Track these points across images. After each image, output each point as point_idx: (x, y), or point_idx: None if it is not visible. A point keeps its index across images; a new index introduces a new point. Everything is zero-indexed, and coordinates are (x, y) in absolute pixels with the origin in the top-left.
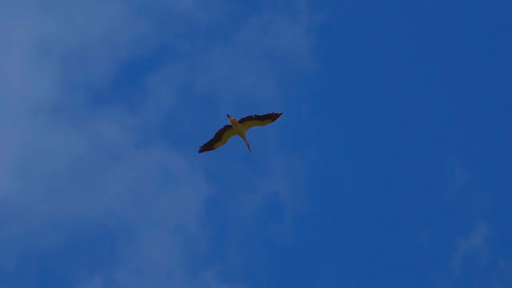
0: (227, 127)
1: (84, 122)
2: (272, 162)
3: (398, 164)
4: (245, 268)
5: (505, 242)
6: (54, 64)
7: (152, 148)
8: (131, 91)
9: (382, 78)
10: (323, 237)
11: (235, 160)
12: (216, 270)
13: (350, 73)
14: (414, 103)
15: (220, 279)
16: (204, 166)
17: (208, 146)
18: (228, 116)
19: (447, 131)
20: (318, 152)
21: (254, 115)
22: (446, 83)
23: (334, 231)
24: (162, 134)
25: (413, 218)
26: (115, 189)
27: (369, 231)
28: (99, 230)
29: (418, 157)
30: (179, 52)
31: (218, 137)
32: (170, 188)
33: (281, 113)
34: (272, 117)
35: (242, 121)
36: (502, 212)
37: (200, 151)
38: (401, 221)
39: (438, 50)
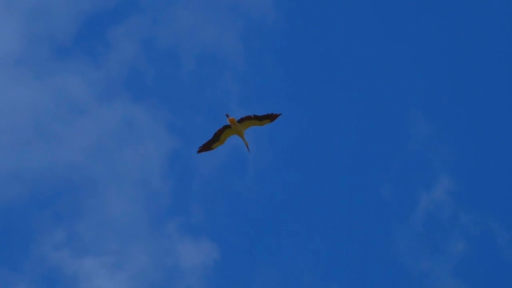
0: (226, 127)
1: (48, 75)
2: (235, 114)
3: (360, 117)
4: (208, 221)
5: (467, 196)
6: (17, 17)
7: (115, 102)
8: (94, 44)
9: (345, 31)
10: (286, 190)
11: (198, 113)
12: (179, 223)
13: (314, 26)
14: (377, 56)
15: (183, 231)
16: (167, 119)
17: (207, 147)
18: (227, 116)
19: (410, 84)
20: (281, 106)
21: (253, 115)
22: (409, 35)
23: (296, 184)
24: (125, 87)
25: (375, 172)
26: (78, 143)
27: (331, 184)
28: (62, 184)
29: (381, 110)
30: (142, 5)
31: (217, 137)
32: (133, 142)
33: (280, 114)
34: (271, 117)
35: (241, 121)
36: (465, 166)
37: (199, 151)
38: (363, 175)
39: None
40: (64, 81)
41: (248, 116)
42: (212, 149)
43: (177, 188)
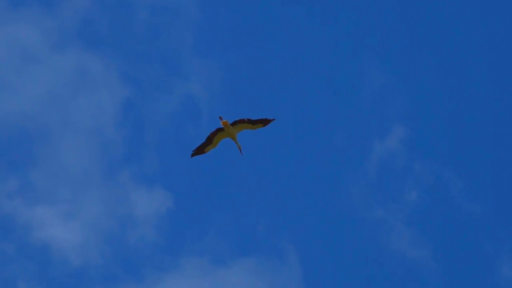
0: (219, 130)
1: (1, 25)
2: (188, 64)
3: (314, 66)
4: (161, 169)
5: (421, 145)
6: None
7: (68, 50)
8: None
9: None
10: (239, 139)
11: (151, 62)
12: (132, 171)
13: None
14: (332, 5)
15: (136, 180)
16: (121, 68)
17: (200, 150)
18: (220, 118)
19: (363, 32)
20: (233, 54)
21: (247, 118)
22: None
23: (249, 133)
24: (78, 36)
25: (329, 121)
26: (32, 91)
27: (284, 133)
28: (15, 132)
29: (334, 58)
30: None
31: (210, 141)
32: (86, 90)
33: (274, 119)
34: (264, 122)
35: (234, 124)
36: (418, 115)
37: (192, 155)
38: (317, 123)
39: None
40: (17, 30)
41: (242, 120)
42: (205, 152)
43: (131, 137)
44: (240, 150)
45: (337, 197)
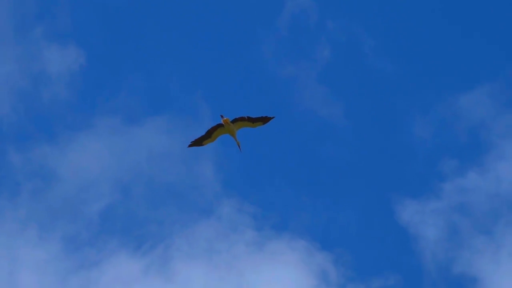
0: (219, 126)
1: None
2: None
3: None
4: (74, 26)
5: (333, 2)
6: None
7: None
8: None
9: None
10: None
11: None
12: (45, 28)
13: None
14: None
15: (49, 37)
16: None
17: (197, 142)
18: (222, 116)
19: None
20: None
21: (247, 116)
22: None
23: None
24: None
25: None
26: None
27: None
28: None
29: None
30: None
31: (209, 135)
32: None
33: (273, 117)
34: (264, 120)
35: (234, 121)
36: None
37: (190, 146)
38: None
39: None
40: None
41: (242, 117)
42: (203, 145)
43: None
44: (239, 146)
45: (249, 54)
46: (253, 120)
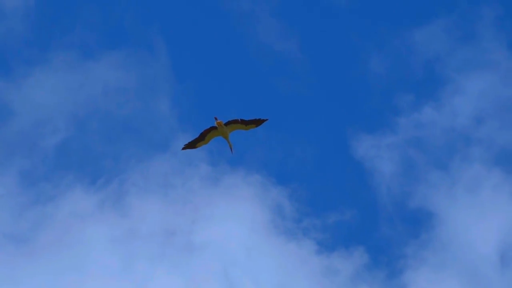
0: (212, 128)
1: None
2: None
3: None
4: None
5: None
6: None
7: None
8: None
9: None
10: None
11: None
12: None
13: None
14: None
15: None
16: None
17: (191, 145)
18: (216, 118)
19: None
20: None
21: (240, 119)
22: None
23: None
24: None
25: None
26: None
27: None
28: None
29: None
30: None
31: (202, 137)
32: None
33: (266, 119)
34: (257, 122)
35: (227, 124)
36: None
37: (183, 148)
38: None
39: None
40: None
41: (235, 120)
42: (196, 147)
43: None
44: (231, 148)
45: None
46: (246, 123)
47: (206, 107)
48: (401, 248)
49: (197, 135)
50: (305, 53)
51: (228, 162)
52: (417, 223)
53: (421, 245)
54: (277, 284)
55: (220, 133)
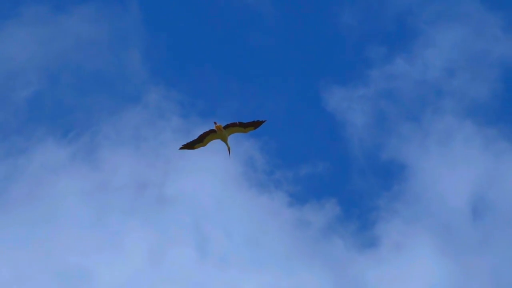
0: (211, 131)
1: None
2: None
3: None
4: None
5: None
6: None
7: None
8: None
9: None
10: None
11: None
12: None
13: None
14: None
15: None
16: None
17: (189, 146)
18: (215, 122)
19: None
20: None
21: (238, 122)
22: None
23: None
24: None
25: None
26: None
27: None
28: None
29: None
30: None
31: (201, 139)
32: None
33: (265, 121)
34: (255, 124)
35: (226, 127)
36: None
37: (181, 148)
38: None
39: None
40: None
41: (234, 123)
42: (194, 149)
43: None
44: (229, 151)
45: None
46: (244, 126)
47: (177, 60)
48: (373, 200)
49: (195, 137)
50: (276, 5)
51: (199, 114)
52: (389, 175)
53: (393, 197)
54: (249, 236)
55: (219, 136)
